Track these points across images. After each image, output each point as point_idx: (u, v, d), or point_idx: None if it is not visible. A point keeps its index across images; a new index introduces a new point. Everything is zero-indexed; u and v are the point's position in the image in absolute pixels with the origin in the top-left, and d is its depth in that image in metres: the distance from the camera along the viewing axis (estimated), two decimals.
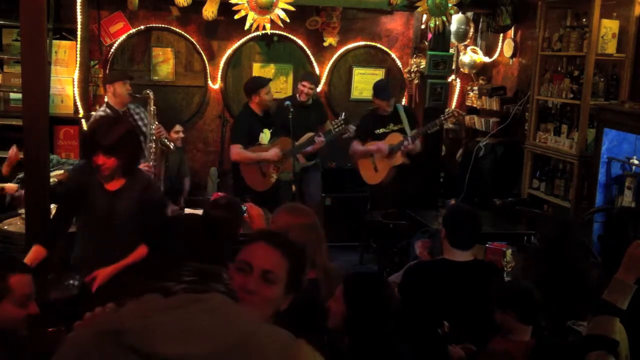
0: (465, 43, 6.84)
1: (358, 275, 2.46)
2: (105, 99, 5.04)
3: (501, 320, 2.60)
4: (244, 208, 3.14)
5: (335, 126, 5.47)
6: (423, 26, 6.73)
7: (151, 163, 4.70)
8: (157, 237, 3.16)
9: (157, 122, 4.91)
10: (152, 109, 4.86)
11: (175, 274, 1.47)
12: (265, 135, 5.35)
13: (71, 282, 3.71)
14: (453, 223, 3.11)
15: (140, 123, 5.00)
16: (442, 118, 5.59)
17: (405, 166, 5.61)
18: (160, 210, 3.46)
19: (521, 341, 2.58)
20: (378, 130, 5.64)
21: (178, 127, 5.79)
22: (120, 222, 3.25)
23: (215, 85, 6.64)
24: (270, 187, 5.35)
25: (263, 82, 5.42)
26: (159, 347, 1.30)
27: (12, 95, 5.74)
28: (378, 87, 5.71)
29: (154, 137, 4.79)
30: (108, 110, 4.85)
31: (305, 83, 5.70)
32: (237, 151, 5.31)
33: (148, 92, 4.91)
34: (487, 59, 6.84)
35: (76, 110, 5.91)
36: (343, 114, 5.54)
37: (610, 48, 4.96)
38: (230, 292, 1.45)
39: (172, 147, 4.94)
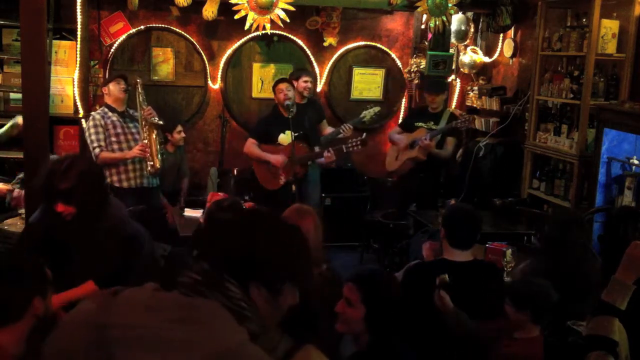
0: (465, 43, 6.84)
1: (370, 275, 2.47)
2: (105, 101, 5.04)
3: (514, 318, 2.62)
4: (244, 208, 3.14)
5: (350, 145, 5.32)
6: (423, 26, 6.74)
7: (145, 142, 4.73)
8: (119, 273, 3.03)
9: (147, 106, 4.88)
10: (139, 94, 4.85)
11: (187, 266, 1.44)
12: (287, 137, 5.32)
13: None
14: (453, 223, 3.11)
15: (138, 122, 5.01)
16: (454, 124, 5.58)
17: (426, 163, 5.62)
18: (134, 246, 3.08)
19: (531, 338, 2.60)
20: (417, 124, 5.73)
21: (180, 127, 5.80)
22: (90, 259, 2.95)
23: (215, 85, 6.64)
24: (278, 188, 5.34)
25: (278, 81, 5.42)
26: (136, 353, 1.30)
27: (12, 95, 5.75)
28: (427, 80, 5.96)
29: (144, 119, 4.79)
30: (106, 110, 4.87)
31: (305, 78, 5.68)
32: (248, 144, 5.43)
33: (137, 79, 4.93)
34: (487, 59, 6.84)
35: (76, 110, 5.92)
36: (364, 134, 5.42)
37: (610, 48, 4.96)
38: (232, 305, 1.39)
39: (161, 122, 4.88)
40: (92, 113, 5.00)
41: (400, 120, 6.37)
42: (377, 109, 5.96)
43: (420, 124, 5.70)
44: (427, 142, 5.48)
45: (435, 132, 5.56)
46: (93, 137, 4.76)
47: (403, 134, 5.83)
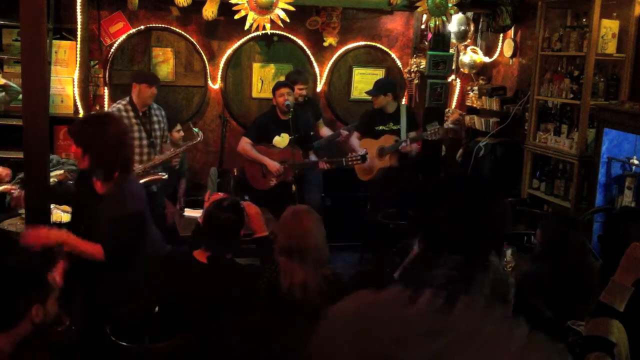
0: (465, 43, 6.84)
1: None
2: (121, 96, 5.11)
3: None
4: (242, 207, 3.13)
5: (350, 160, 5.35)
6: (423, 26, 6.74)
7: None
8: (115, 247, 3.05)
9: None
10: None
11: (441, 262, 1.33)
12: (282, 140, 5.36)
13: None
14: None
15: (156, 126, 5.08)
16: (431, 131, 5.51)
17: (404, 166, 5.62)
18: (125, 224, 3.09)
19: None
20: (378, 127, 5.71)
21: (179, 126, 5.81)
22: (100, 227, 3.06)
23: (215, 85, 6.64)
24: (268, 189, 5.39)
25: (278, 84, 5.44)
26: None
27: None
28: (374, 84, 5.82)
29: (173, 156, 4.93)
30: (129, 107, 4.91)
31: (301, 86, 5.80)
32: (243, 144, 5.46)
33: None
34: (487, 59, 6.84)
35: (76, 110, 5.91)
36: (364, 150, 5.42)
37: (610, 48, 4.96)
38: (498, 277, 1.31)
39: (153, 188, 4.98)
40: (112, 108, 4.99)
41: (357, 125, 6.09)
42: None
43: (380, 127, 5.69)
44: (409, 148, 5.49)
45: (417, 137, 5.57)
46: None
47: (364, 139, 5.78)
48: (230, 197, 3.24)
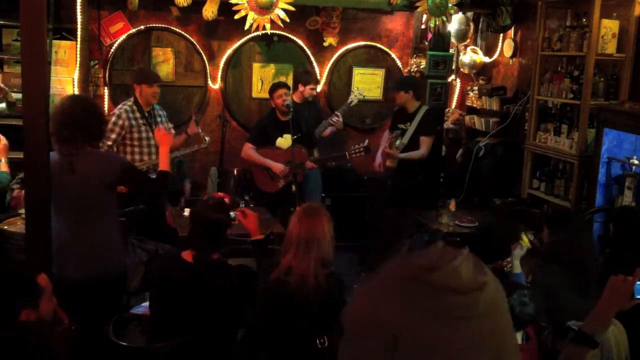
0: (465, 43, 6.84)
1: None
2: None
3: None
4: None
5: (353, 152, 5.37)
6: (423, 26, 6.74)
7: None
8: None
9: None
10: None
11: None
12: (285, 141, 5.38)
13: None
14: None
15: (160, 126, 5.08)
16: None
17: (405, 166, 5.62)
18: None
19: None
20: (400, 125, 5.70)
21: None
22: (82, 183, 3.34)
23: (215, 85, 6.64)
24: (275, 191, 5.39)
25: (276, 85, 5.46)
26: None
27: (13, 95, 5.74)
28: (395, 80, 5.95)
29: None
30: (134, 107, 4.94)
31: (312, 86, 5.83)
32: (246, 149, 5.48)
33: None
34: (487, 59, 6.84)
35: None
36: (367, 142, 5.42)
37: (610, 48, 4.96)
38: None
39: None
40: (120, 109, 4.99)
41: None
42: (364, 93, 6.09)
43: (401, 125, 5.69)
44: (388, 151, 5.47)
45: (391, 143, 5.54)
46: (108, 133, 4.79)
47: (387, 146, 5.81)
48: (217, 198, 3.24)
